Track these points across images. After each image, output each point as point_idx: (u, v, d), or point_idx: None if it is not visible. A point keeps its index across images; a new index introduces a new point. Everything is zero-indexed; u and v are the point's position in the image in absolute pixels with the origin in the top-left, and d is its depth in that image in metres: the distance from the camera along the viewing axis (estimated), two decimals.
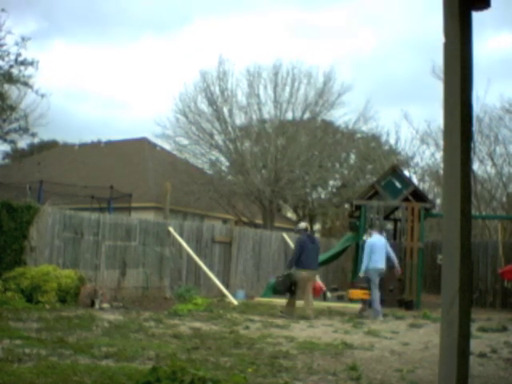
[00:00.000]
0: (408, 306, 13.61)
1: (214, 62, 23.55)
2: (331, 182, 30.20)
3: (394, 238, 17.10)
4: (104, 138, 33.29)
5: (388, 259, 12.13)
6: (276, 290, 11.63)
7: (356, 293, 11.80)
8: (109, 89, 65.53)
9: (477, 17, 2.38)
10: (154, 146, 29.27)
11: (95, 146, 31.85)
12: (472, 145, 18.29)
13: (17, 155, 34.49)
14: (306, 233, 11.91)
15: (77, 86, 60.68)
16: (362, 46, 50.51)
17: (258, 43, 45.61)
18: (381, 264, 11.90)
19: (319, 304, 12.80)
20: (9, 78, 17.01)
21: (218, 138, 24.19)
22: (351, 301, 11.57)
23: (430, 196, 23.19)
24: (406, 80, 47.55)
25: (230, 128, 23.57)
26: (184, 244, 13.80)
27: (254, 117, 23.82)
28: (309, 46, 48.79)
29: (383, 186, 15.09)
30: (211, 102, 23.44)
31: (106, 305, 10.49)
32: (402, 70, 51.35)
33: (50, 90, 50.12)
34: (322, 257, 16.07)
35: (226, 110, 23.47)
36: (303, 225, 12.37)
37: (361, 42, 51.25)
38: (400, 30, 56.16)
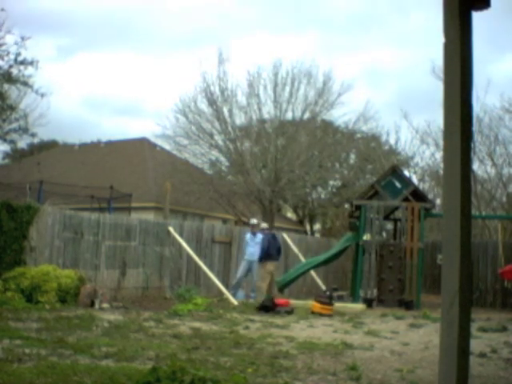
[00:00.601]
0: (408, 305, 13.60)
1: (214, 62, 23.46)
2: (331, 182, 30.21)
3: (394, 237, 17.12)
4: (104, 138, 33.38)
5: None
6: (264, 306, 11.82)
7: (317, 306, 11.77)
8: (120, 95, 66.64)
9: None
10: (154, 146, 29.27)
11: (95, 146, 31.85)
12: (472, 145, 18.31)
13: (17, 155, 34.50)
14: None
15: (95, 94, 61.94)
16: (374, 61, 50.81)
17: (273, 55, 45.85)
18: None
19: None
20: (8, 77, 16.98)
21: (218, 138, 24.17)
22: (312, 313, 11.64)
23: (430, 196, 23.19)
24: (417, 93, 47.53)
25: (230, 128, 23.55)
26: (184, 244, 13.79)
27: (254, 117, 23.80)
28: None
29: (383, 185, 15.08)
30: (211, 101, 23.41)
31: (105, 305, 10.48)
32: (414, 83, 51.49)
33: (72, 95, 51.74)
34: (322, 257, 16.14)
35: (225, 110, 23.44)
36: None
37: (374, 57, 51.63)
38: (415, 46, 56.72)
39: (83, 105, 61.24)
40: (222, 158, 25.08)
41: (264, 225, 15.36)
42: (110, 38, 66.57)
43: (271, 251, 13.94)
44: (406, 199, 14.87)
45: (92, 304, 10.25)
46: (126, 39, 67.02)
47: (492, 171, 24.24)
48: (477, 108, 21.54)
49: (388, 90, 51.02)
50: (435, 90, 15.71)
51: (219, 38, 52.90)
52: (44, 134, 35.02)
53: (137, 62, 66.06)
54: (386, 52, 53.85)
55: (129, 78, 67.33)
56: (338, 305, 12.58)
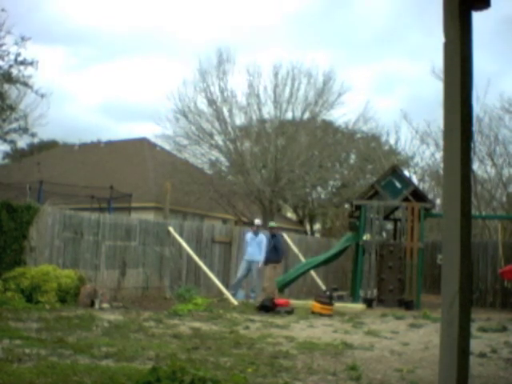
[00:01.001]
0: (408, 305, 13.60)
1: (214, 62, 23.48)
2: (331, 182, 30.24)
3: (394, 237, 17.11)
4: (104, 138, 33.41)
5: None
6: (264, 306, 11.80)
7: (317, 306, 11.77)
8: (126, 99, 67.22)
9: None
10: (154, 145, 29.28)
11: (95, 146, 31.87)
12: (472, 145, 18.31)
13: (17, 155, 34.53)
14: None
15: (107, 99, 62.94)
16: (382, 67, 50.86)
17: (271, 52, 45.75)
18: None
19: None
20: (8, 77, 17.01)
21: (218, 138, 24.21)
22: (312, 313, 11.65)
23: (430, 196, 23.19)
24: (426, 101, 47.48)
25: (229, 128, 23.57)
26: (184, 244, 13.79)
27: (254, 117, 23.84)
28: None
29: (383, 186, 15.08)
30: (211, 102, 23.44)
31: (105, 305, 10.48)
32: (424, 92, 51.45)
33: (87, 98, 52.48)
34: (322, 257, 16.13)
35: (225, 110, 23.49)
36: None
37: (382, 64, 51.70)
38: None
39: (97, 110, 62.28)
40: (222, 158, 25.11)
41: (273, 223, 15.32)
42: (114, 43, 67.06)
43: (280, 253, 14.06)
44: (406, 199, 14.86)
45: (92, 304, 10.25)
46: (128, 41, 67.38)
47: (492, 171, 24.28)
48: (477, 108, 21.57)
49: (397, 98, 51.18)
50: (438, 93, 15.69)
51: (221, 42, 53.08)
52: (44, 134, 35.17)
53: (138, 62, 66.34)
54: (398, 62, 53.99)
55: (131, 79, 67.76)
56: (337, 305, 12.57)
